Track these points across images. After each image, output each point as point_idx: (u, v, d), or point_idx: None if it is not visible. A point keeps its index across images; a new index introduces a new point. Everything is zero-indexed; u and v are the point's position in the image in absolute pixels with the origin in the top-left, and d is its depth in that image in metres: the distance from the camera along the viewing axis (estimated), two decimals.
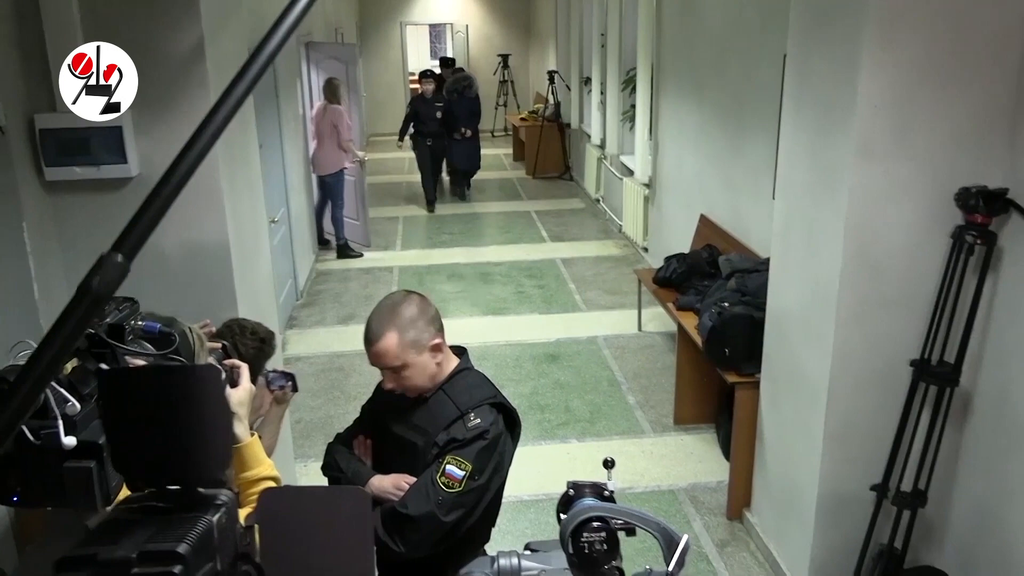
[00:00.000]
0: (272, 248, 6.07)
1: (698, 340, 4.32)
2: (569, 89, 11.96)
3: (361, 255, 8.65)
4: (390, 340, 2.03)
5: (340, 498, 1.01)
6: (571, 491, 1.20)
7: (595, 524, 1.10)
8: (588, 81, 10.82)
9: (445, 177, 11.54)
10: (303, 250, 7.77)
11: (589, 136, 10.66)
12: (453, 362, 2.17)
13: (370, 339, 2.06)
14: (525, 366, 5.96)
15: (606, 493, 1.19)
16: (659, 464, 4.63)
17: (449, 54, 16.21)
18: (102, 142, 2.85)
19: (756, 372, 3.84)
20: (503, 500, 2.21)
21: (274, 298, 6.05)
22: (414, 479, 2.03)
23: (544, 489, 4.22)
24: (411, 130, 10.45)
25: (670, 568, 1.06)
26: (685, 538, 1.07)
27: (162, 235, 3.36)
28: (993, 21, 2.81)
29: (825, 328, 3.17)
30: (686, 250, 5.89)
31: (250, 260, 4.28)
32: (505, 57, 15.11)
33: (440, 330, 2.12)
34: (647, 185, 7.86)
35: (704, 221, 6.12)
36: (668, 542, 1.07)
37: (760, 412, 3.83)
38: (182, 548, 0.78)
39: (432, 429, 2.06)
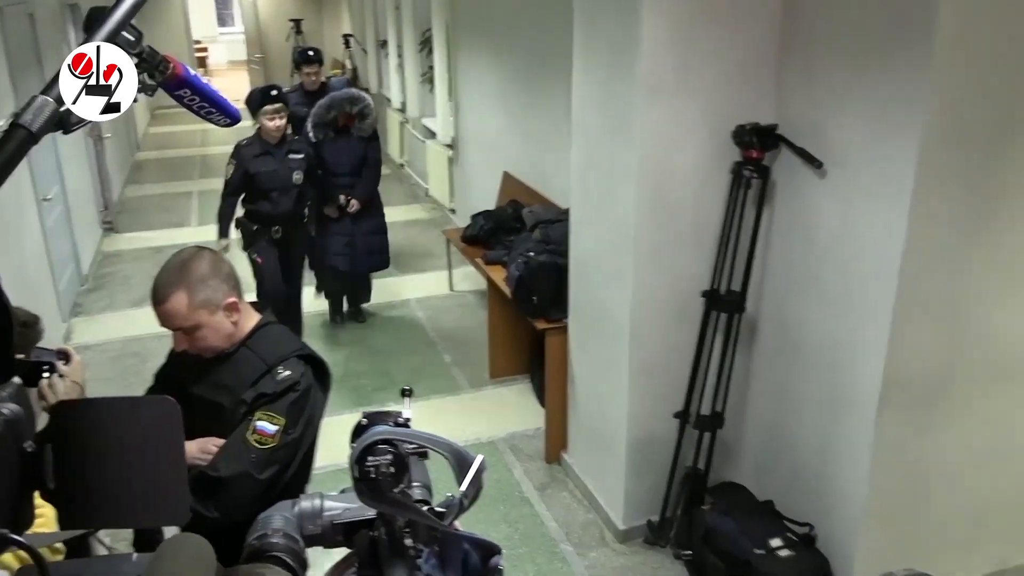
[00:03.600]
0: (46, 229, 5.55)
1: (507, 291, 4.37)
2: (366, 53, 11.70)
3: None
4: (179, 301, 1.91)
5: (145, 408, 0.90)
6: (364, 420, 1.16)
7: (381, 447, 1.06)
8: (385, 44, 10.61)
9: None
10: (85, 230, 7.15)
11: (389, 100, 10.49)
12: (254, 318, 2.07)
13: (158, 299, 1.92)
14: (338, 334, 5.82)
15: (400, 420, 1.16)
16: (478, 418, 4.68)
17: (238, 22, 15.21)
18: None
19: (564, 317, 3.95)
20: (325, 468, 2.15)
21: (51, 283, 5.56)
22: (222, 441, 1.92)
23: None
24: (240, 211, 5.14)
25: (463, 488, 1.04)
26: (479, 459, 1.06)
27: None
28: None
29: (625, 267, 3.29)
30: (492, 207, 5.94)
31: (13, 241, 3.88)
32: (297, 22, 14.49)
33: (235, 287, 2.02)
34: (450, 146, 7.85)
35: (508, 178, 6.19)
36: (460, 463, 1.05)
37: (570, 356, 3.94)
38: None
39: (238, 387, 1.96)
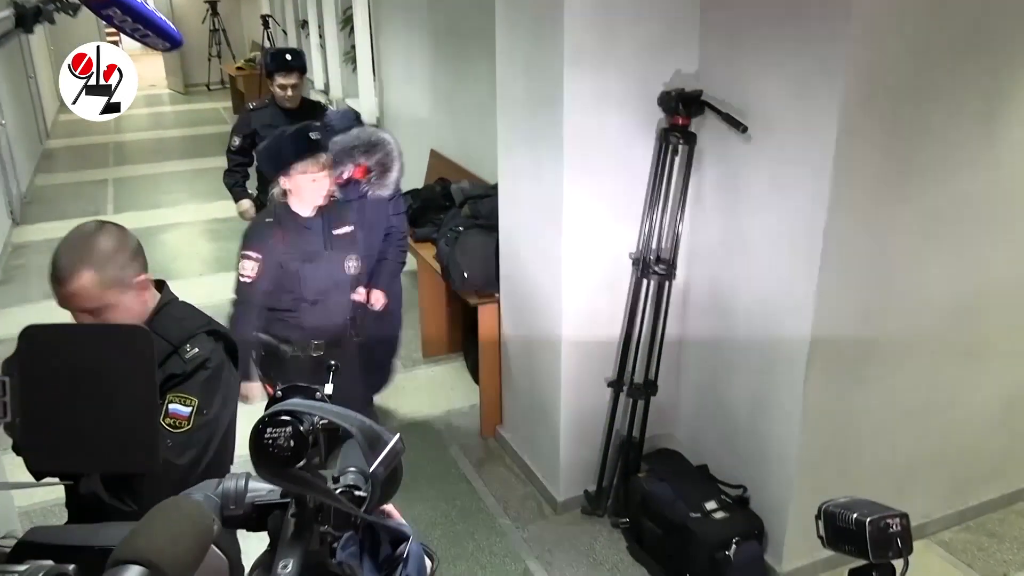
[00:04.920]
0: None
1: (437, 268, 4.32)
2: (286, 34, 11.43)
3: None
4: (86, 279, 1.78)
5: (117, 336, 0.82)
6: (279, 393, 1.08)
7: (283, 419, 0.98)
8: (305, 24, 10.38)
9: None
10: None
11: (312, 81, 10.25)
12: (154, 297, 1.96)
13: (59, 278, 1.78)
14: None
15: (317, 395, 1.09)
16: (412, 398, 4.62)
17: (151, 3, 14.66)
18: None
19: (495, 291, 3.91)
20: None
21: None
22: None
23: None
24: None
25: (372, 468, 0.98)
26: (395, 438, 1.00)
27: None
28: None
29: (554, 238, 3.27)
30: (420, 186, 5.86)
31: None
32: (213, 4, 14.10)
33: (144, 266, 1.90)
34: (376, 126, 7.72)
35: (435, 156, 6.12)
36: (371, 442, 0.99)
37: (502, 329, 3.92)
38: None
39: None
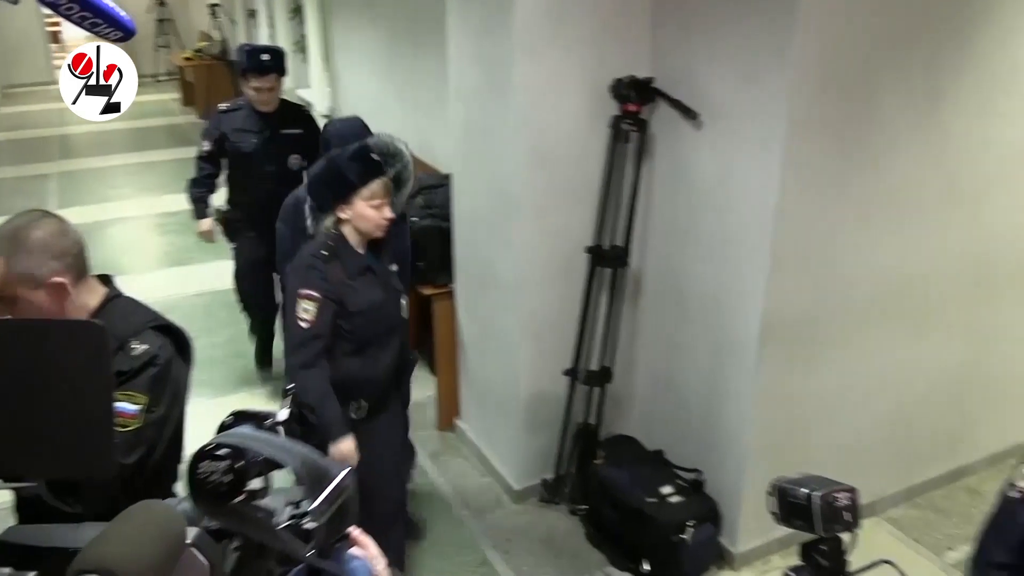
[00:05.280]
0: None
1: None
2: (234, 23, 11.23)
3: None
4: None
5: (69, 332, 0.78)
6: (229, 419, 1.03)
7: (221, 452, 0.94)
8: (254, 13, 10.21)
9: None
10: None
11: None
12: (98, 293, 1.87)
13: None
14: (218, 315, 5.58)
15: (268, 423, 1.04)
16: None
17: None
18: None
19: (450, 282, 3.90)
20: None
21: None
22: None
23: None
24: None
25: (313, 505, 0.95)
26: (343, 473, 0.96)
27: None
28: None
29: (508, 227, 3.26)
30: None
31: None
32: None
33: (72, 267, 1.78)
34: (328, 117, 7.63)
35: None
36: (316, 479, 0.95)
37: (458, 320, 3.90)
38: None
39: None
